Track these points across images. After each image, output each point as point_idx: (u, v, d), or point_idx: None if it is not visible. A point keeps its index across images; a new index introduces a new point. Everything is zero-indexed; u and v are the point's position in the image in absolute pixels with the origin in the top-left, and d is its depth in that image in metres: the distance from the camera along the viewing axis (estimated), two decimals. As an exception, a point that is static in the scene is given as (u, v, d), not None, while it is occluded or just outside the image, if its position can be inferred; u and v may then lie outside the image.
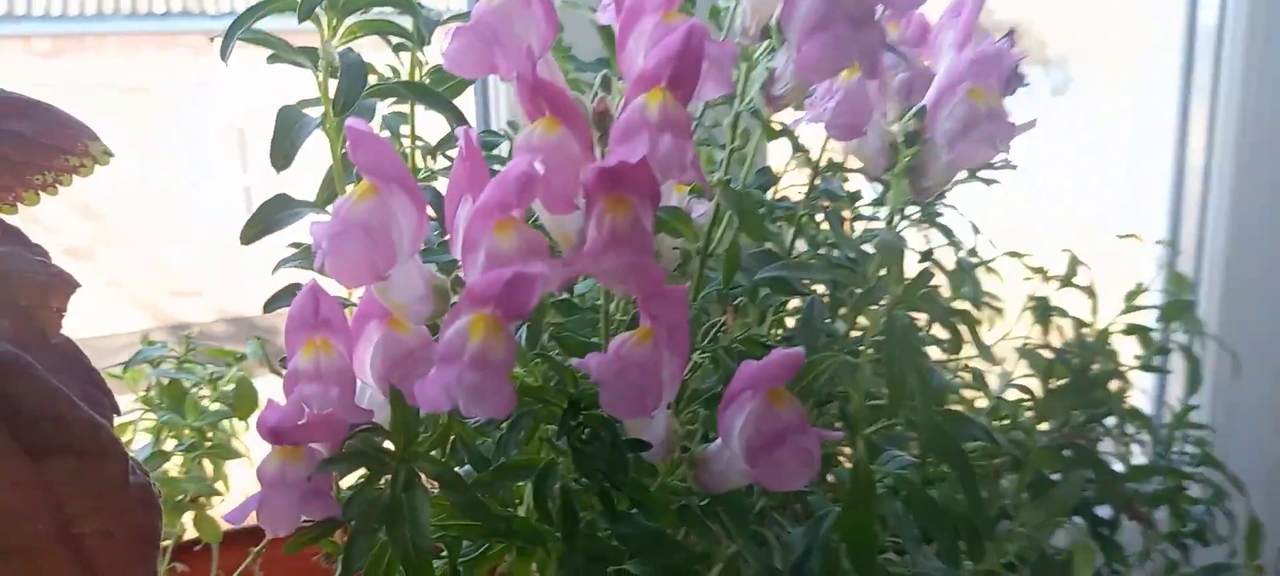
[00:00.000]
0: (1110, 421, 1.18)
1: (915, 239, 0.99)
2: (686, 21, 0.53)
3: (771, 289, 0.67)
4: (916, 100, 0.78)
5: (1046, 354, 1.11)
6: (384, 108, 0.82)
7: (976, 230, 1.05)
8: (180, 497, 1.09)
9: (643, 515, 0.62)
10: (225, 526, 1.11)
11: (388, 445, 0.57)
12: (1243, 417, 1.67)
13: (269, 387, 1.04)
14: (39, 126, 0.73)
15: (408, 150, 0.83)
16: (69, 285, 0.66)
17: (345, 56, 0.60)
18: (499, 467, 0.59)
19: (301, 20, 0.60)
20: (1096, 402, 1.13)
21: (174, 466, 1.10)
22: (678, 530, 0.66)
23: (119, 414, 0.66)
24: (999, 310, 1.09)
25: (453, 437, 0.63)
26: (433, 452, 0.58)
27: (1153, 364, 1.23)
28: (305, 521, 0.58)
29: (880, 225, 1.02)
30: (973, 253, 1.09)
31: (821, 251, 0.99)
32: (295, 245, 0.70)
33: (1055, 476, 1.02)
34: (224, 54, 0.61)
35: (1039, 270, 1.10)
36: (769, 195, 0.90)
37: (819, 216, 0.93)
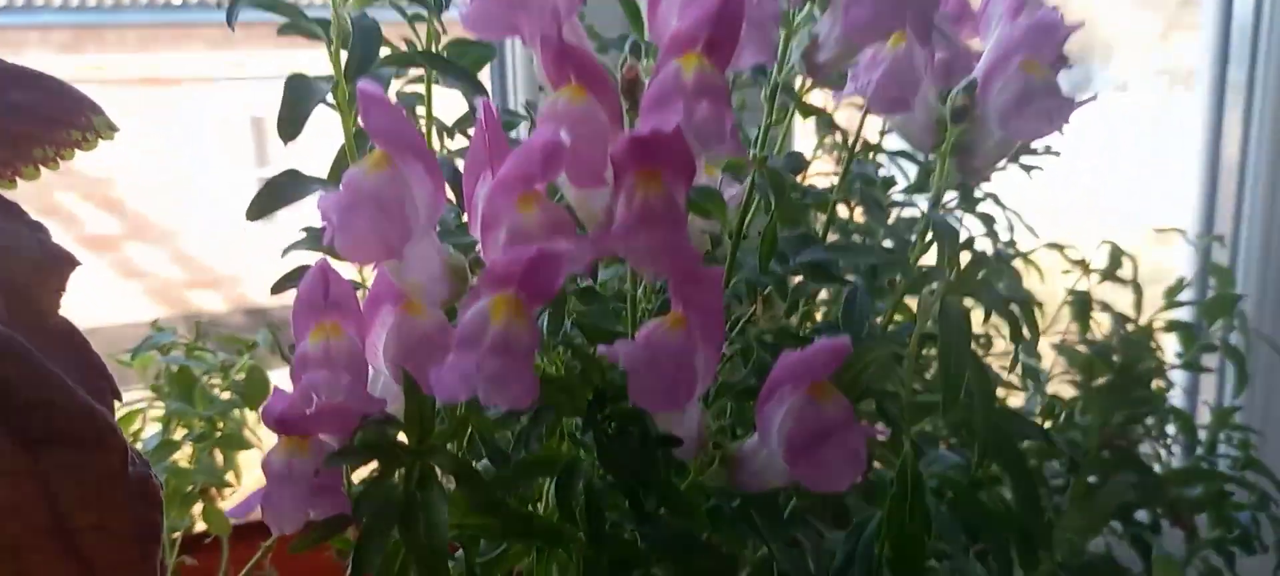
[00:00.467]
0: (1149, 421, 1.14)
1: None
2: (726, -17, 0.49)
3: (808, 275, 0.63)
4: (956, 81, 0.73)
5: (1085, 350, 1.06)
6: (399, 87, 0.79)
7: (1017, 218, 1.01)
8: (189, 489, 1.06)
9: (672, 516, 0.59)
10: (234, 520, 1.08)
11: (402, 438, 0.53)
12: (1285, 420, 1.62)
13: (282, 378, 1.01)
14: (39, 98, 0.70)
15: (424, 131, 0.79)
16: (67, 264, 0.62)
17: (358, 20, 0.56)
18: (520, 464, 0.56)
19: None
20: (1137, 402, 1.08)
21: (183, 457, 1.08)
22: (707, 533, 0.63)
23: (120, 400, 0.62)
24: (1038, 305, 1.04)
25: (470, 431, 0.59)
26: (449, 446, 0.55)
27: (1195, 362, 1.19)
28: (313, 518, 0.54)
29: (915, 212, 0.98)
30: (1011, 244, 1.05)
31: (855, 239, 0.95)
32: (307, 229, 0.67)
33: (1092, 479, 0.98)
34: (230, 19, 0.57)
35: (1081, 263, 1.05)
36: (799, 181, 0.86)
37: (852, 204, 0.89)
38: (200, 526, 1.10)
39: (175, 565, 1.05)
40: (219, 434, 1.06)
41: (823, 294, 0.96)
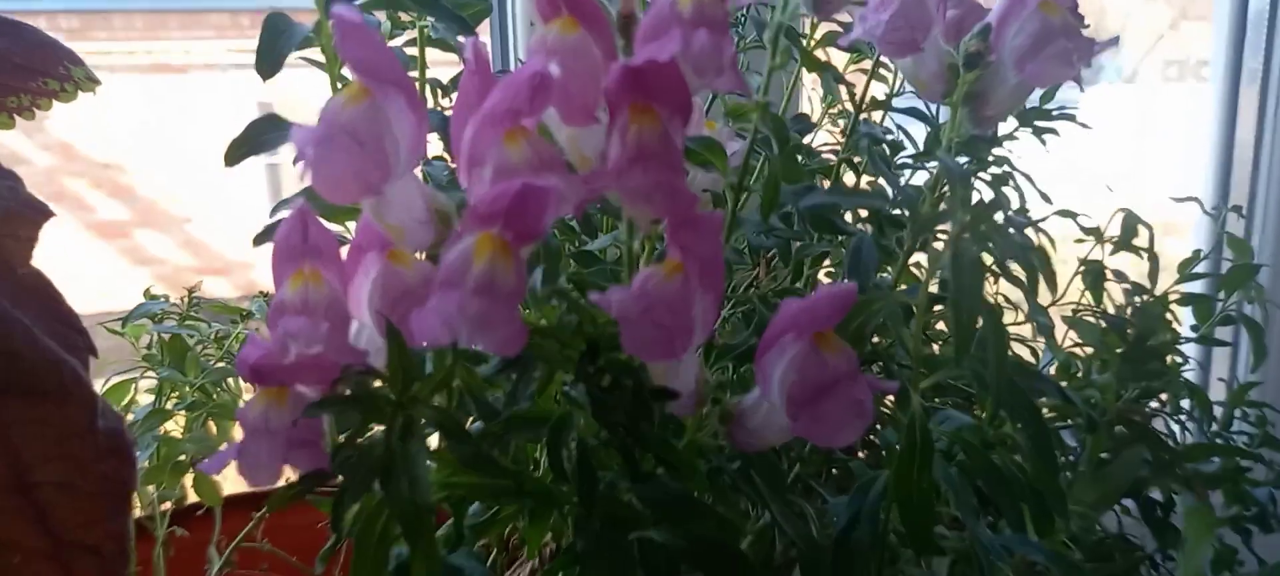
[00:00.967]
0: (1163, 396, 1.11)
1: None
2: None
3: (813, 224, 0.60)
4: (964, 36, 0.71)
5: (1098, 322, 1.03)
6: (393, 47, 0.76)
7: (1029, 181, 0.98)
8: (181, 458, 1.04)
9: (669, 476, 0.56)
10: (225, 491, 1.06)
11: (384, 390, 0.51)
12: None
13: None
14: (14, 46, 0.67)
15: (419, 72, 0.77)
16: (40, 213, 0.60)
17: (340, -43, 0.54)
18: (509, 418, 0.53)
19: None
20: (1151, 375, 1.05)
21: (176, 426, 1.06)
22: (706, 495, 0.60)
23: (96, 355, 0.60)
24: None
25: (457, 390, 0.56)
26: (435, 400, 0.52)
27: (1211, 334, 1.16)
28: (291, 474, 0.52)
29: (922, 179, 0.95)
30: (1022, 211, 1.02)
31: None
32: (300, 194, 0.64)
33: (1103, 455, 0.95)
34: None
35: (1094, 231, 1.02)
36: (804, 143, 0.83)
37: (859, 167, 0.86)
38: (192, 497, 1.08)
39: (166, 535, 1.03)
40: (212, 403, 1.04)
41: (827, 264, 0.93)
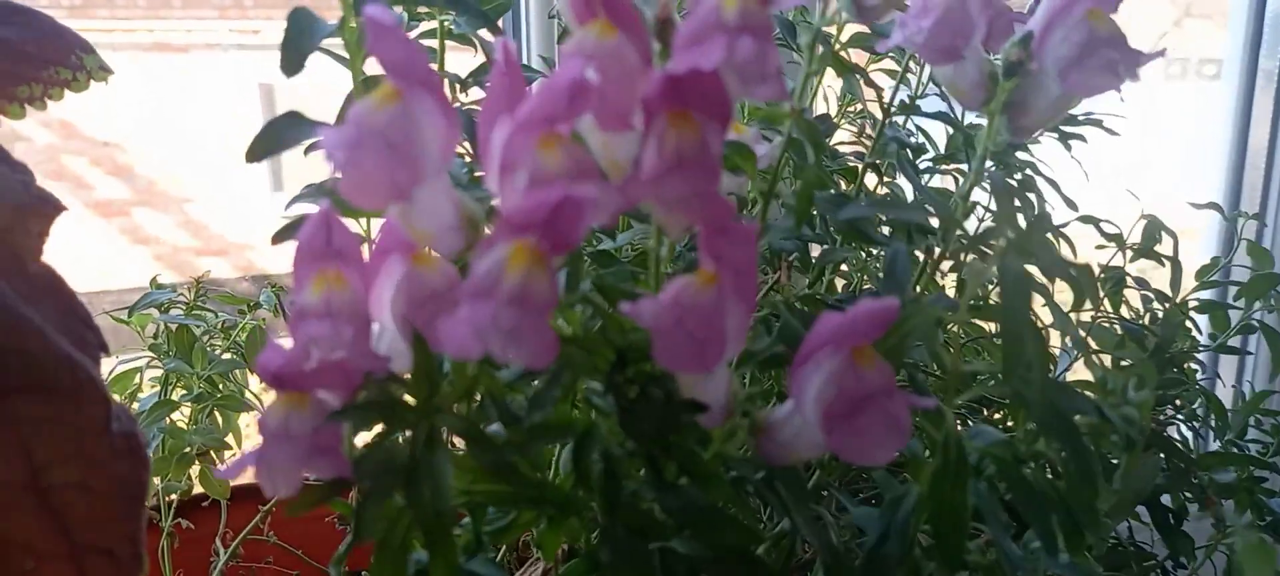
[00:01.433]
0: (1177, 403, 1.10)
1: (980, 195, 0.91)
2: (771, -93, 0.45)
3: (848, 236, 0.59)
4: (994, 45, 0.69)
5: (1117, 329, 1.02)
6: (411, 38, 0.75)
7: (1054, 187, 0.97)
8: (186, 450, 1.03)
9: (694, 486, 0.55)
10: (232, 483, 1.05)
11: (407, 397, 0.50)
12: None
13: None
14: (26, 34, 0.66)
15: (439, 67, 0.75)
16: (52, 208, 0.59)
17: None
18: (533, 427, 0.52)
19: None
20: (1169, 384, 1.04)
21: (182, 417, 1.05)
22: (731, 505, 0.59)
23: (107, 353, 0.59)
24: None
25: (480, 392, 0.55)
26: (457, 407, 0.51)
27: (1228, 344, 1.15)
28: (311, 481, 0.51)
29: (943, 182, 0.94)
30: (1043, 216, 1.01)
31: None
32: (311, 188, 0.63)
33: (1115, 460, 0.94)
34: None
35: (1116, 237, 1.01)
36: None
37: (883, 170, 0.85)
38: (198, 489, 1.07)
39: (171, 527, 1.02)
40: (219, 395, 1.03)
41: (844, 266, 0.92)
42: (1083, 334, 1.05)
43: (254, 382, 1.07)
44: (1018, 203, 0.90)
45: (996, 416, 0.89)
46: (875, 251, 0.89)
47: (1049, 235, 0.99)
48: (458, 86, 0.76)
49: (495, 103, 0.51)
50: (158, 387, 1.05)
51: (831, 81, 0.93)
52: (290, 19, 0.52)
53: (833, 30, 0.65)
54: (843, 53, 0.70)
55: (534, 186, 0.43)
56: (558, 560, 0.74)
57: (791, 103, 0.44)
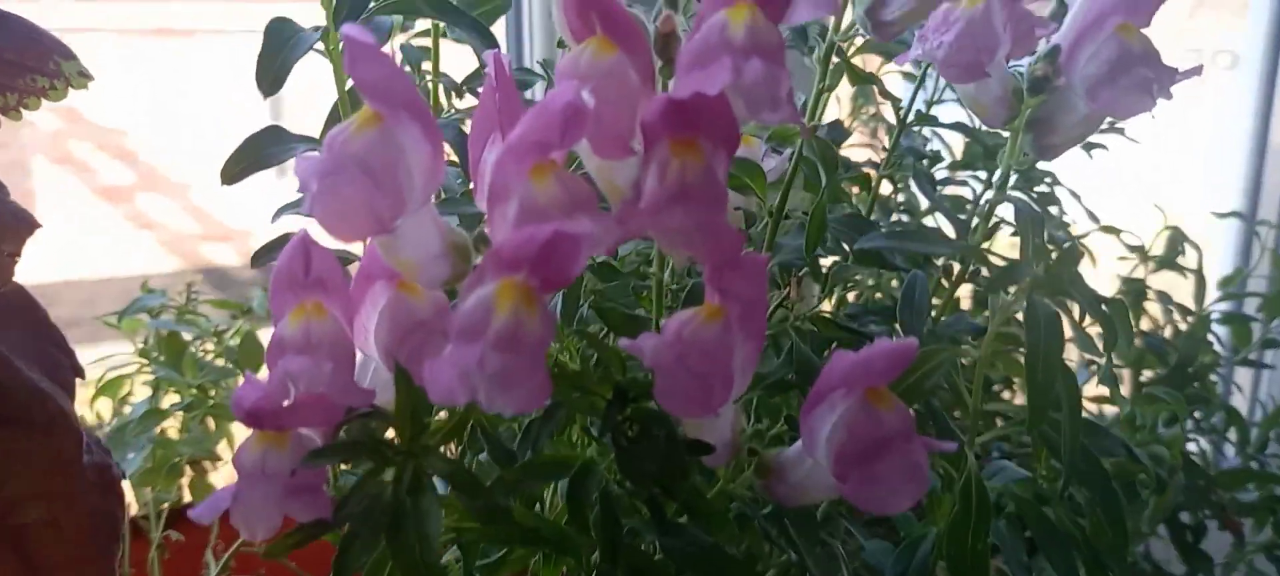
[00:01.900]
0: (1197, 415, 1.07)
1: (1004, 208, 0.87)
2: (783, -85, 0.41)
3: (860, 261, 0.55)
4: (1018, 51, 0.66)
5: (1138, 343, 0.99)
6: (404, 39, 0.72)
7: (1076, 198, 0.94)
8: (177, 460, 1.00)
9: (696, 526, 0.52)
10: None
11: (392, 434, 0.47)
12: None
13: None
14: (2, 40, 0.63)
15: (430, 88, 0.72)
16: (26, 225, 0.55)
17: (353, -42, 0.49)
18: (527, 464, 0.49)
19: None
20: (1190, 399, 1.01)
21: (172, 425, 1.02)
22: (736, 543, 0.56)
23: (82, 377, 0.56)
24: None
25: (471, 424, 0.52)
26: (449, 442, 0.48)
27: (1251, 358, 1.11)
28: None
29: (959, 190, 0.90)
30: (1062, 226, 0.97)
31: (898, 219, 0.88)
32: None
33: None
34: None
35: (1138, 249, 0.98)
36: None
37: (896, 181, 0.82)
38: (189, 498, 1.04)
39: (161, 539, 0.99)
40: (210, 402, 1.00)
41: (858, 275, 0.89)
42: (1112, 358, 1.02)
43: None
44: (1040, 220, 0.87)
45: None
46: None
47: (1063, 240, 0.96)
48: (454, 93, 0.72)
49: (486, 119, 0.48)
50: (149, 392, 1.02)
51: (843, 83, 0.89)
52: (267, 32, 0.48)
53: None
54: (857, 58, 0.67)
55: (525, 218, 0.39)
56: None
57: (802, 122, 0.41)
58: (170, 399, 1.01)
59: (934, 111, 0.82)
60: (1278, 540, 1.06)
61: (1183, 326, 1.03)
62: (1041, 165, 0.82)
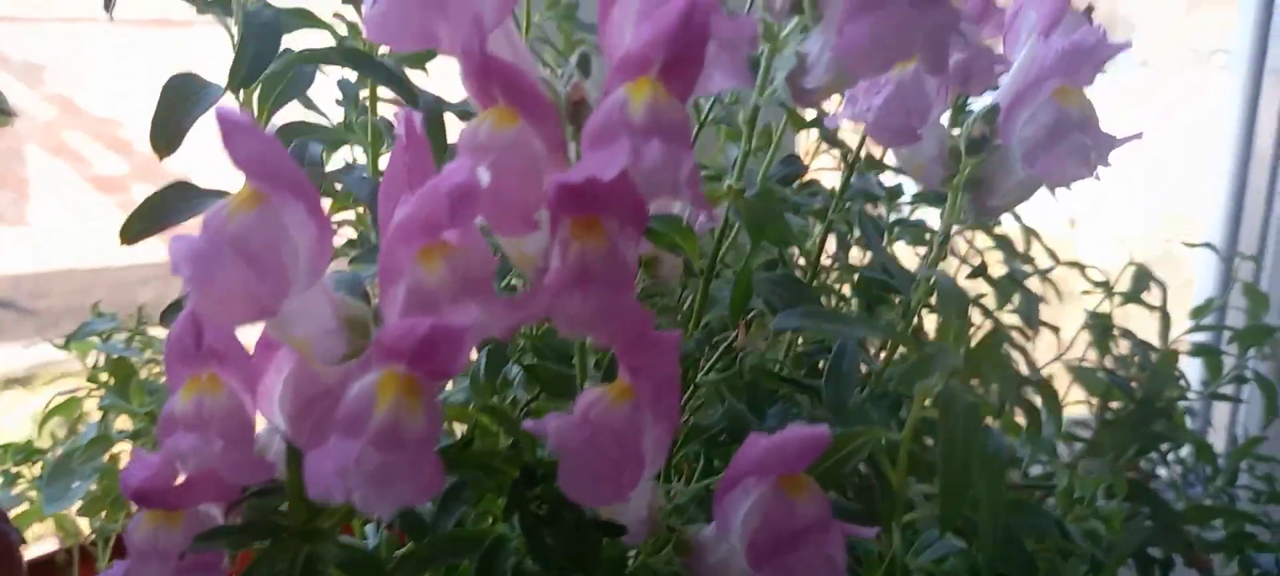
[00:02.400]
0: (1164, 447, 1.05)
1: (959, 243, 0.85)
2: (690, -12, 0.39)
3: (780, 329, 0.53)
4: (975, 88, 0.63)
5: (1103, 376, 0.97)
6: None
7: (1035, 237, 0.92)
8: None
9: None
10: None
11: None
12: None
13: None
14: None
15: (371, 127, 0.70)
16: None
17: (254, 13, 0.47)
18: (433, 542, 0.47)
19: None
20: (1157, 438, 0.99)
21: (123, 449, 1.00)
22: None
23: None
24: (1055, 330, 0.95)
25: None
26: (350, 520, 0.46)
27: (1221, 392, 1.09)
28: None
29: (921, 225, 0.88)
30: (1027, 259, 0.95)
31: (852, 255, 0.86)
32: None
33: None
34: (108, 5, 0.48)
35: (1104, 285, 0.96)
36: (796, 184, 0.76)
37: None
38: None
39: (108, 563, 0.98)
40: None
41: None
42: (1060, 374, 1.00)
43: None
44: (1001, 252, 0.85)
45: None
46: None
47: (1023, 276, 0.94)
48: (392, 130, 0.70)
49: (396, 182, 0.46)
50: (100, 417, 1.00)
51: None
52: (164, 89, 0.46)
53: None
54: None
55: (412, 303, 0.37)
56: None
57: (709, 207, 0.39)
58: (121, 423, 0.99)
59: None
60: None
61: (1153, 357, 1.01)
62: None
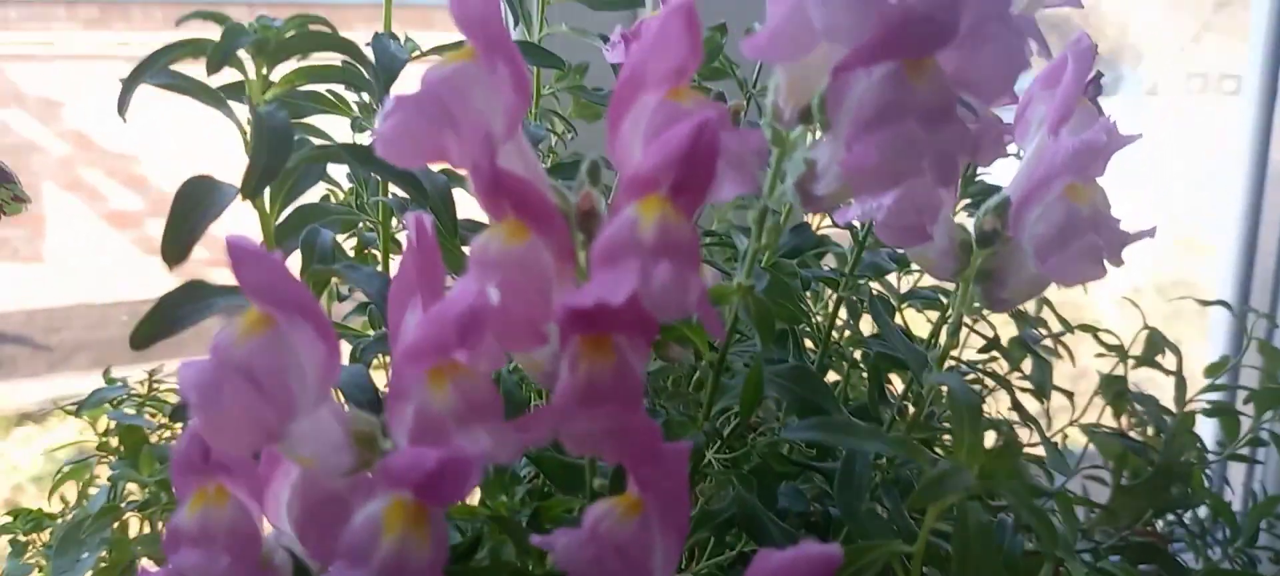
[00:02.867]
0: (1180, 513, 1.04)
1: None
2: (698, 106, 0.39)
3: (797, 413, 0.53)
4: (984, 159, 0.63)
5: (1118, 440, 0.96)
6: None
7: (1048, 306, 0.91)
8: (133, 559, 0.97)
9: None
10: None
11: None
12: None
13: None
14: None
15: (380, 193, 0.70)
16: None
17: (268, 116, 0.47)
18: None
19: (212, 71, 0.47)
20: (1175, 503, 0.98)
21: (133, 518, 0.99)
22: None
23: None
24: (1069, 395, 0.94)
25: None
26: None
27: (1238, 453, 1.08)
28: None
29: (934, 297, 0.87)
30: (1040, 322, 0.95)
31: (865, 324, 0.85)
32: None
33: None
34: (122, 108, 0.48)
35: (1117, 348, 0.95)
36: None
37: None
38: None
39: (115, 640, 0.97)
40: (168, 501, 0.97)
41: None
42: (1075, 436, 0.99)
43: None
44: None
45: None
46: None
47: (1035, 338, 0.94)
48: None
49: (406, 282, 0.46)
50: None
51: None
52: (180, 194, 0.46)
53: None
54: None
55: (419, 428, 0.37)
56: None
57: (719, 327, 0.38)
58: (131, 490, 0.99)
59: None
60: (1264, 644, 1.03)
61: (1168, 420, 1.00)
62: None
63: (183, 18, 0.49)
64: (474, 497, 0.56)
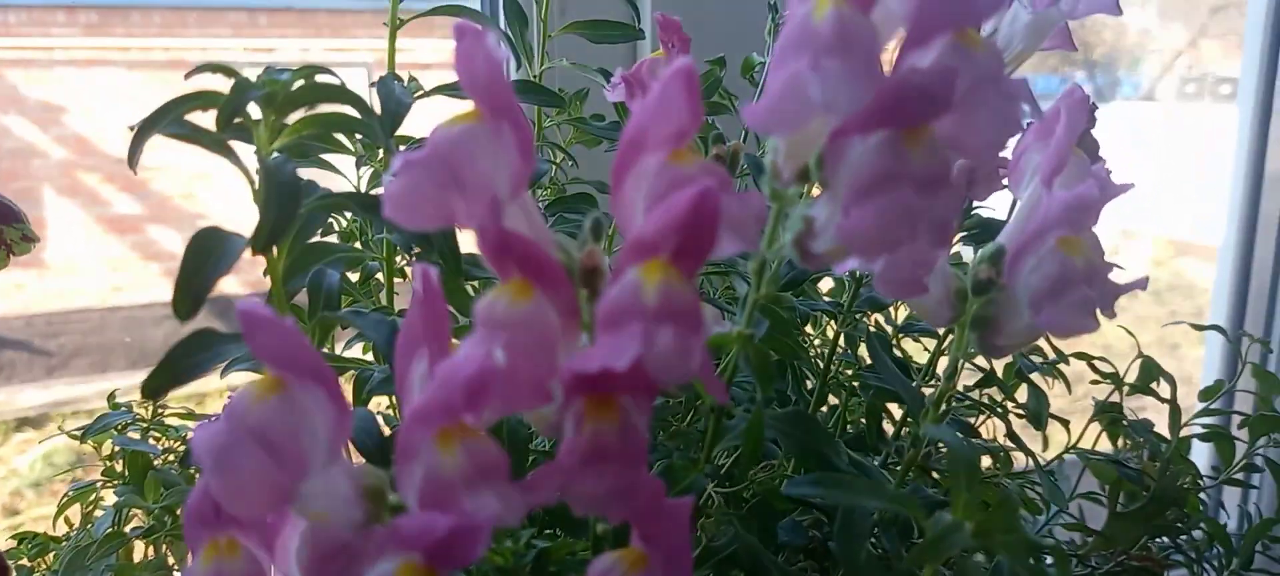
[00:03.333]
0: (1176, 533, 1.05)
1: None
2: (700, 171, 0.40)
3: (801, 464, 0.54)
4: (979, 194, 0.64)
5: (1113, 466, 0.97)
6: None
7: (1047, 339, 0.92)
8: (136, 587, 0.98)
9: None
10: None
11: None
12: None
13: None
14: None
15: (385, 233, 0.71)
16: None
17: (275, 169, 0.48)
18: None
19: (222, 127, 0.48)
20: (1170, 529, 0.99)
21: (140, 547, 1.00)
22: None
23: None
24: (1065, 423, 0.95)
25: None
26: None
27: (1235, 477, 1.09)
28: None
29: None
30: (1035, 350, 0.96)
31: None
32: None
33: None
34: (132, 161, 0.49)
35: (1112, 375, 0.96)
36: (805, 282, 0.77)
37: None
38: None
39: (118, 667, 0.97)
40: (172, 527, 0.98)
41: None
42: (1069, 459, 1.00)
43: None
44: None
45: None
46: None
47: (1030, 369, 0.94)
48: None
49: (413, 335, 0.47)
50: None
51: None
52: (191, 244, 0.47)
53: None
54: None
55: (428, 491, 0.38)
56: None
57: (721, 390, 0.39)
58: (132, 523, 1.00)
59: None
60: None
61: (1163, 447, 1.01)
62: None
63: (191, 71, 0.50)
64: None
